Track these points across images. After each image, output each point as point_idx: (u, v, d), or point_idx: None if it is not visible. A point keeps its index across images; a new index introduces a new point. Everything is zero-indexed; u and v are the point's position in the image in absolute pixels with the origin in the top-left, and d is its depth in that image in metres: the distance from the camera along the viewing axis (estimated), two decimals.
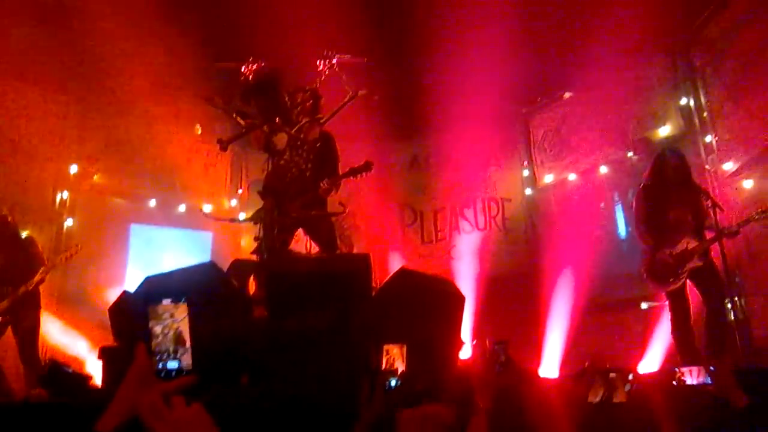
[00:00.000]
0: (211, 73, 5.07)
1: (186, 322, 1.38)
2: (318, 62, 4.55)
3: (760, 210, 4.96)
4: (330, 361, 3.37)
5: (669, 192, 5.18)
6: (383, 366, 2.54)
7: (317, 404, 3.03)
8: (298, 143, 4.60)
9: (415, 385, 3.11)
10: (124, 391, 1.24)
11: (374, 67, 5.15)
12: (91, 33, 6.71)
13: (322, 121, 4.71)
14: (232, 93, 4.67)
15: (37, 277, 5.56)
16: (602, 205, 7.85)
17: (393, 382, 2.51)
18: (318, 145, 4.69)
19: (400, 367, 2.55)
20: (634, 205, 5.54)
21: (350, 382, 2.83)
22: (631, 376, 3.91)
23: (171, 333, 1.37)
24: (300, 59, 5.01)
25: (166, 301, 1.37)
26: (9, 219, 5.88)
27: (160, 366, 1.36)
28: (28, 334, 5.58)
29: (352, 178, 4.74)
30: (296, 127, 4.60)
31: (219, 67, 4.82)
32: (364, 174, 4.67)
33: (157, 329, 1.37)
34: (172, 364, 1.36)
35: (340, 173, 4.79)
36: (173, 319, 1.38)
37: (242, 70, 4.63)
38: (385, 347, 2.56)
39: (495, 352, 6.45)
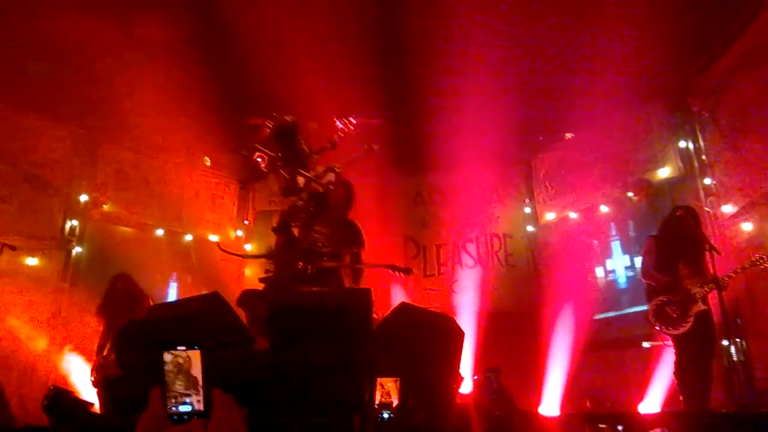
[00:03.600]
0: (221, 108, 5.29)
1: (198, 366, 1.44)
2: (337, 121, 4.80)
3: (749, 261, 5.18)
4: (329, 394, 3.42)
5: (679, 247, 5.34)
6: (377, 399, 2.60)
7: None
8: (314, 186, 4.82)
9: (414, 419, 3.16)
10: None
11: (381, 104, 5.36)
12: (105, 68, 6.93)
13: (337, 169, 4.92)
14: (257, 141, 4.90)
15: None
16: (596, 242, 7.95)
17: (386, 416, 2.57)
18: (332, 187, 4.89)
19: (395, 400, 2.61)
20: (643, 252, 5.69)
21: (346, 415, 2.89)
22: (620, 427, 3.92)
23: (183, 377, 1.43)
24: (319, 115, 5.25)
25: (181, 348, 1.44)
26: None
27: (173, 409, 1.41)
28: None
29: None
30: (313, 173, 4.82)
31: (251, 124, 5.09)
32: (400, 275, 4.90)
33: (170, 373, 1.43)
34: (185, 408, 1.42)
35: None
36: (186, 364, 1.44)
37: (270, 123, 4.88)
38: (380, 381, 2.63)
39: (487, 379, 6.45)
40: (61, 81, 7.14)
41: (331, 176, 4.92)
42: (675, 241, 5.36)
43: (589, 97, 6.82)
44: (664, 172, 7.33)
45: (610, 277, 7.93)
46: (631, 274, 7.49)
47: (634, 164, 7.62)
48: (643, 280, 5.56)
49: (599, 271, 8.09)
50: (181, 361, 1.45)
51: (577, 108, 7.38)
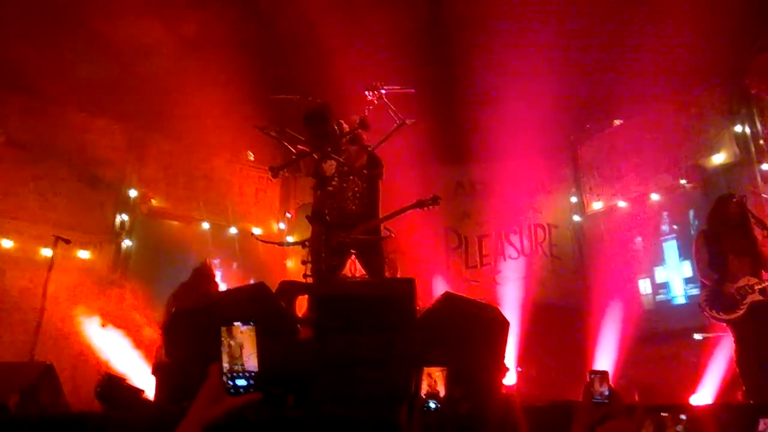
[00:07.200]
0: (263, 103, 5.32)
1: (254, 342, 1.50)
2: (367, 93, 4.67)
3: None
4: (373, 384, 3.41)
5: (728, 237, 5.17)
6: (424, 389, 2.57)
7: (359, 426, 3.08)
8: (346, 170, 4.72)
9: (458, 410, 3.12)
10: (198, 406, 1.37)
11: (422, 93, 5.24)
12: (153, 67, 7.10)
13: (370, 149, 4.81)
14: (284, 122, 4.84)
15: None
16: (639, 239, 7.61)
17: (432, 405, 2.53)
18: (365, 171, 4.77)
19: (441, 390, 2.57)
20: (693, 248, 5.49)
21: (392, 405, 2.87)
22: (684, 416, 3.75)
23: (240, 352, 1.50)
24: (350, 89, 5.17)
25: (237, 323, 1.50)
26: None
27: (230, 383, 1.47)
28: None
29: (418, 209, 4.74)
30: (345, 155, 4.72)
31: (273, 98, 5.01)
32: (430, 207, 4.68)
33: (227, 349, 1.49)
34: (241, 382, 1.48)
35: (403, 205, 4.82)
36: (242, 339, 1.50)
37: (295, 100, 4.82)
38: (427, 370, 2.60)
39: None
40: (111, 80, 7.36)
41: (364, 157, 4.80)
42: (723, 233, 5.20)
43: (639, 81, 6.60)
44: (718, 158, 7.05)
45: (662, 294, 7.46)
46: (694, 292, 6.62)
47: (687, 150, 7.34)
48: (701, 280, 5.35)
49: (644, 286, 7.58)
50: (237, 336, 1.51)
51: (626, 93, 7.16)
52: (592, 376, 5.71)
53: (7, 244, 6.70)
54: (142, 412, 3.81)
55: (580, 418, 2.57)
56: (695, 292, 6.51)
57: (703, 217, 6.39)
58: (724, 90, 7.10)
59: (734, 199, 5.25)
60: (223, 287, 7.15)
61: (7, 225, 6.75)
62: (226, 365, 1.47)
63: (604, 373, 5.50)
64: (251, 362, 1.49)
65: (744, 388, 4.96)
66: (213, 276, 6.36)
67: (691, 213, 7.17)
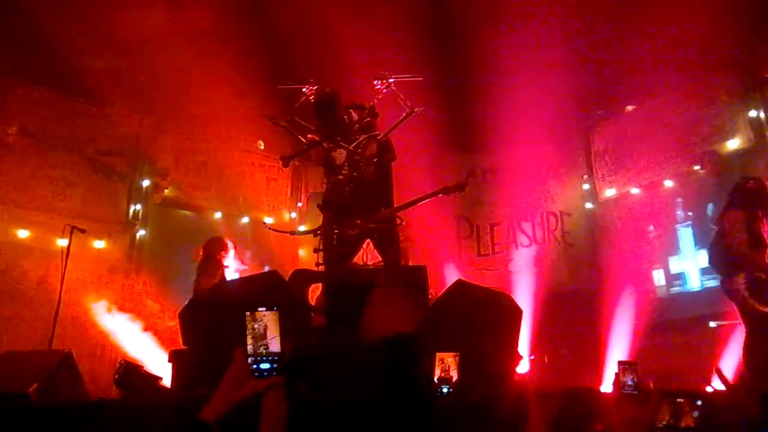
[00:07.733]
0: (273, 93, 5.33)
1: (277, 325, 1.54)
2: (375, 82, 4.65)
3: None
4: (385, 370, 3.43)
5: (757, 217, 4.86)
6: (437, 374, 2.59)
7: (371, 412, 3.10)
8: (357, 158, 4.71)
9: (470, 396, 3.14)
10: (224, 387, 1.42)
11: (434, 81, 5.21)
12: (165, 58, 7.12)
13: (379, 137, 4.80)
14: (293, 112, 4.84)
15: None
16: (651, 228, 7.53)
17: (445, 390, 2.56)
18: (375, 159, 4.76)
19: (454, 375, 2.59)
20: (727, 226, 4.91)
21: (405, 392, 2.89)
22: (699, 402, 3.72)
23: (264, 334, 1.53)
24: (359, 78, 5.16)
25: (261, 309, 1.54)
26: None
27: (255, 366, 1.51)
28: None
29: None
30: (354, 144, 4.71)
31: (282, 88, 5.00)
32: (456, 193, 4.67)
33: (252, 331, 1.53)
34: (265, 365, 1.52)
35: (415, 194, 4.83)
36: (267, 322, 1.53)
37: (303, 90, 4.82)
38: (440, 356, 2.62)
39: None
40: (124, 72, 7.40)
41: (374, 146, 4.78)
42: (754, 213, 4.85)
43: (652, 66, 6.53)
44: (733, 144, 6.97)
45: (677, 286, 7.31)
46: (711, 283, 6.32)
47: (701, 136, 7.25)
48: (738, 258, 4.77)
49: (658, 277, 7.42)
50: (261, 319, 1.56)
51: (639, 78, 7.09)
52: (622, 366, 5.34)
53: (23, 234, 6.78)
54: (160, 398, 3.86)
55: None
56: (712, 283, 6.30)
57: (719, 205, 5.90)
58: (737, 75, 7.01)
59: (750, 182, 5.03)
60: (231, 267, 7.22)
61: (21, 215, 6.82)
62: (250, 347, 1.51)
63: (631, 364, 5.25)
64: (275, 344, 1.53)
65: (746, 377, 4.79)
66: (217, 254, 6.44)
67: (711, 206, 6.76)
